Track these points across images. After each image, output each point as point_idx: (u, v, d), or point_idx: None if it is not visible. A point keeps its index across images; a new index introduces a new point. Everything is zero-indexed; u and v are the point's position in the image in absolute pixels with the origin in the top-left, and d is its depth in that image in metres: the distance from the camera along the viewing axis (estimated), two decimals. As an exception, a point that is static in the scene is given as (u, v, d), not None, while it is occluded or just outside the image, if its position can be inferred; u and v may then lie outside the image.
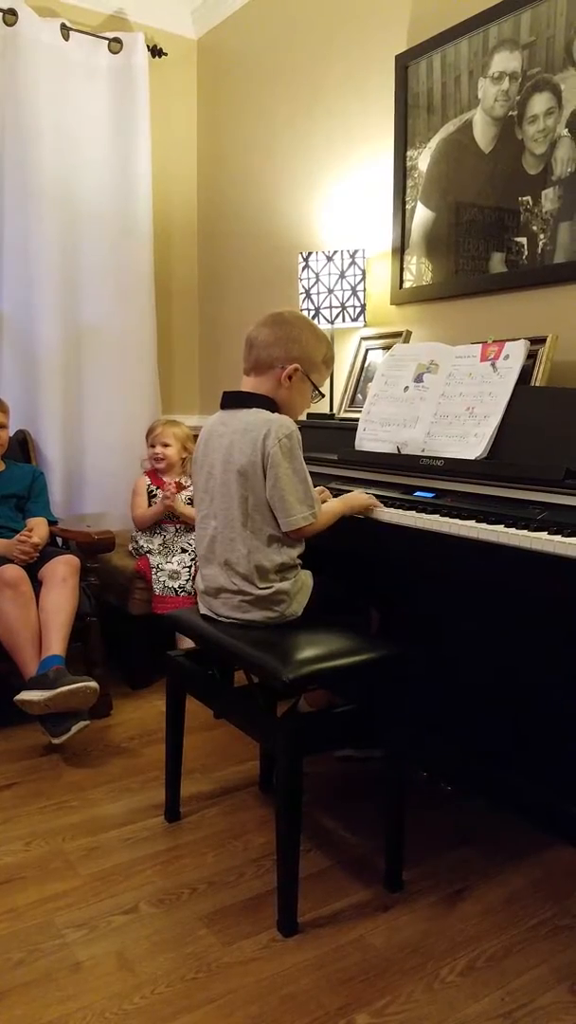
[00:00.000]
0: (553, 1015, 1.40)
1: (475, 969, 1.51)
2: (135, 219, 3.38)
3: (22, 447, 3.13)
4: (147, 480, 3.08)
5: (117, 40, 3.30)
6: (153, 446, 3.07)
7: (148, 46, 3.36)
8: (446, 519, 1.73)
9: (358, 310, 2.65)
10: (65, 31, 3.16)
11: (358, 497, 1.93)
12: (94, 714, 2.55)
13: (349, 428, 2.34)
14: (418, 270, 2.58)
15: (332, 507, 1.88)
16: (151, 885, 1.77)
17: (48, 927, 1.63)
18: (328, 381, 2.56)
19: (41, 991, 1.46)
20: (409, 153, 2.57)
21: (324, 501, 1.93)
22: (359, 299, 2.65)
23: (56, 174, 3.17)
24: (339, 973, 1.50)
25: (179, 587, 2.83)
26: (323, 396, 1.99)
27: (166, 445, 3.05)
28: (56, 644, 2.37)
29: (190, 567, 2.87)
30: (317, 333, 1.90)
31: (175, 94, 3.65)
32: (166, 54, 3.48)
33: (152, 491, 3.06)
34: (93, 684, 2.26)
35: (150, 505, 3.04)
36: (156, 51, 3.42)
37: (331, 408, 2.72)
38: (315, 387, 1.91)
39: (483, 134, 2.32)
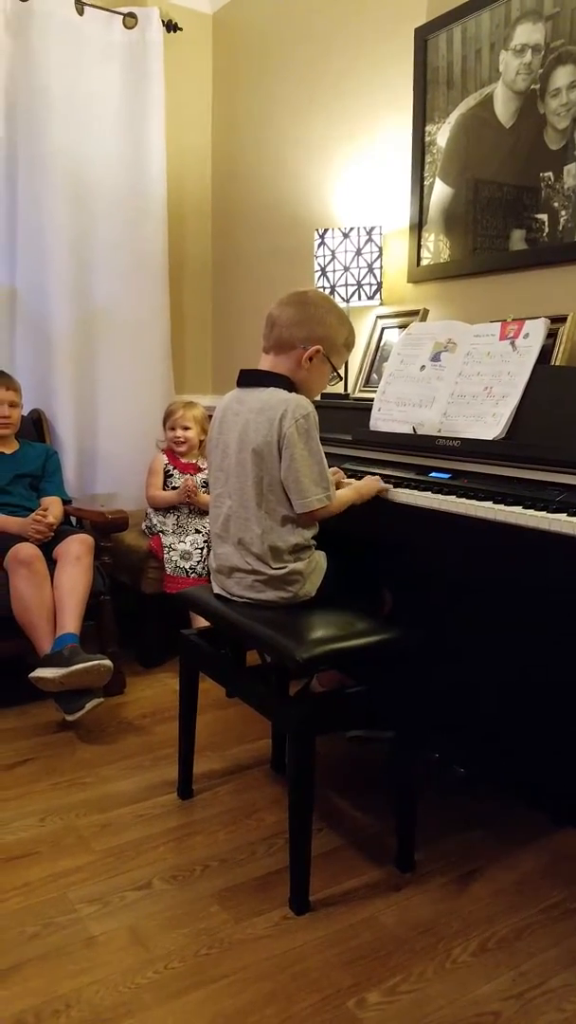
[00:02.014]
0: (564, 996, 1.40)
1: (486, 950, 1.52)
2: (149, 197, 3.34)
3: (36, 427, 3.13)
4: (164, 459, 3.08)
5: (132, 15, 3.25)
6: (173, 429, 3.06)
7: (163, 21, 3.31)
8: (462, 500, 1.71)
9: (374, 288, 2.62)
10: (79, 6, 3.12)
11: (368, 484, 1.91)
12: (108, 692, 2.57)
13: (364, 408, 2.31)
14: (436, 247, 2.54)
15: (343, 495, 1.85)
16: (164, 862, 1.78)
17: (62, 901, 1.65)
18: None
19: (55, 964, 1.47)
20: (428, 128, 2.52)
21: (338, 483, 1.92)
22: (375, 277, 2.61)
23: (70, 151, 3.14)
24: (350, 951, 1.51)
25: (190, 568, 2.83)
26: (340, 378, 1.97)
27: (186, 428, 3.05)
28: (70, 622, 2.38)
29: (203, 548, 2.87)
30: (340, 315, 1.89)
31: (190, 70, 3.61)
32: (181, 29, 3.43)
33: (169, 471, 3.05)
34: (107, 662, 2.27)
35: (165, 483, 3.03)
36: (171, 26, 3.37)
37: (345, 388, 2.69)
38: (333, 369, 1.90)
39: (504, 108, 2.28)
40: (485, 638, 2.09)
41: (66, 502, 2.86)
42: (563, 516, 1.49)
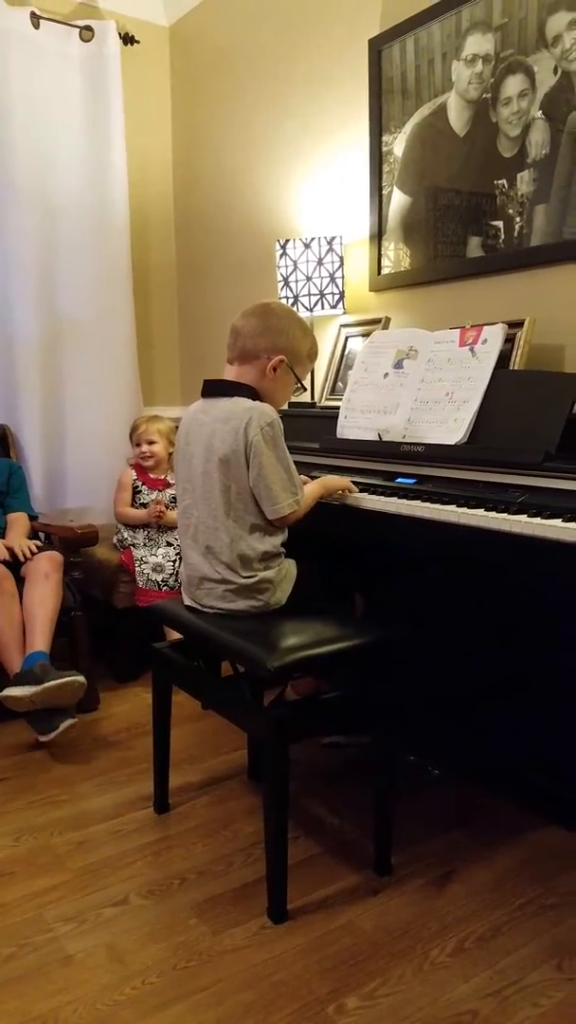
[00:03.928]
0: (542, 992, 1.42)
1: (464, 950, 1.53)
2: (111, 209, 3.34)
3: (1, 443, 3.11)
4: (133, 474, 3.07)
5: (88, 28, 3.26)
6: (139, 444, 3.06)
7: (120, 34, 3.32)
8: (427, 504, 1.73)
9: (337, 297, 2.65)
10: (35, 19, 3.12)
11: (333, 479, 1.94)
12: (81, 708, 2.55)
13: (330, 416, 2.33)
14: (396, 256, 2.57)
15: (310, 490, 1.88)
16: (141, 877, 1.77)
17: (38, 921, 1.63)
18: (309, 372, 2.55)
19: (32, 985, 1.46)
20: (384, 138, 2.56)
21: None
22: (338, 286, 2.64)
23: (29, 165, 3.13)
24: (329, 958, 1.51)
25: (162, 580, 2.83)
26: (305, 389, 1.99)
27: (152, 443, 3.04)
28: (40, 640, 2.36)
29: (175, 561, 2.87)
30: (304, 326, 1.90)
31: (148, 82, 3.62)
32: (138, 42, 3.44)
33: (137, 486, 3.04)
34: (80, 678, 2.25)
35: (134, 499, 3.03)
36: (128, 39, 3.39)
37: (312, 396, 2.71)
38: (298, 380, 1.91)
39: (458, 117, 2.31)
40: (455, 637, 2.11)
41: (33, 518, 2.84)
42: (523, 517, 1.52)
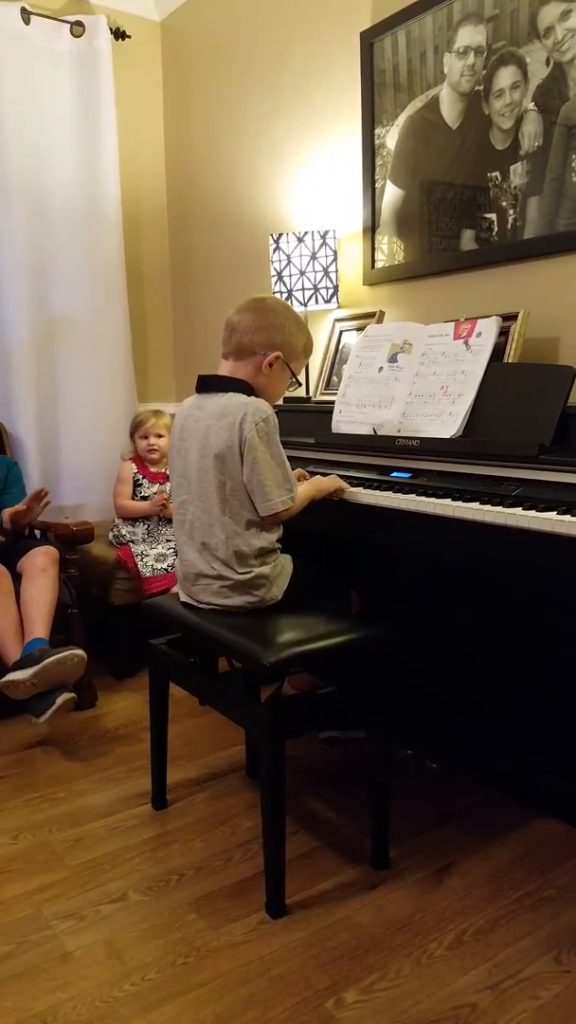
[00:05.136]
0: (539, 984, 1.42)
1: (462, 943, 1.53)
2: (103, 205, 3.33)
3: (-3, 440, 3.10)
4: (133, 467, 3.06)
5: (79, 23, 3.24)
6: (146, 438, 3.06)
7: (111, 29, 3.31)
8: (422, 498, 1.73)
9: (331, 291, 2.64)
10: (26, 15, 3.10)
11: (325, 481, 1.93)
12: (79, 706, 2.54)
13: (325, 411, 2.33)
14: (390, 249, 2.56)
15: (302, 491, 1.87)
16: (139, 873, 1.78)
17: (36, 918, 1.63)
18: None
19: (31, 982, 1.46)
20: (377, 131, 2.55)
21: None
22: (331, 280, 2.63)
23: (21, 162, 3.12)
24: (327, 952, 1.51)
25: (169, 566, 2.83)
26: (300, 384, 1.98)
27: (160, 436, 3.05)
28: (39, 629, 2.35)
29: (175, 549, 2.86)
30: (299, 322, 1.90)
31: (140, 77, 3.60)
32: (129, 37, 3.43)
33: (138, 480, 3.04)
34: (80, 652, 2.23)
35: (134, 493, 3.02)
36: (119, 34, 3.37)
37: (307, 391, 2.71)
38: (293, 375, 1.91)
39: (450, 110, 2.31)
40: (452, 631, 2.11)
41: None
42: (519, 510, 1.52)
